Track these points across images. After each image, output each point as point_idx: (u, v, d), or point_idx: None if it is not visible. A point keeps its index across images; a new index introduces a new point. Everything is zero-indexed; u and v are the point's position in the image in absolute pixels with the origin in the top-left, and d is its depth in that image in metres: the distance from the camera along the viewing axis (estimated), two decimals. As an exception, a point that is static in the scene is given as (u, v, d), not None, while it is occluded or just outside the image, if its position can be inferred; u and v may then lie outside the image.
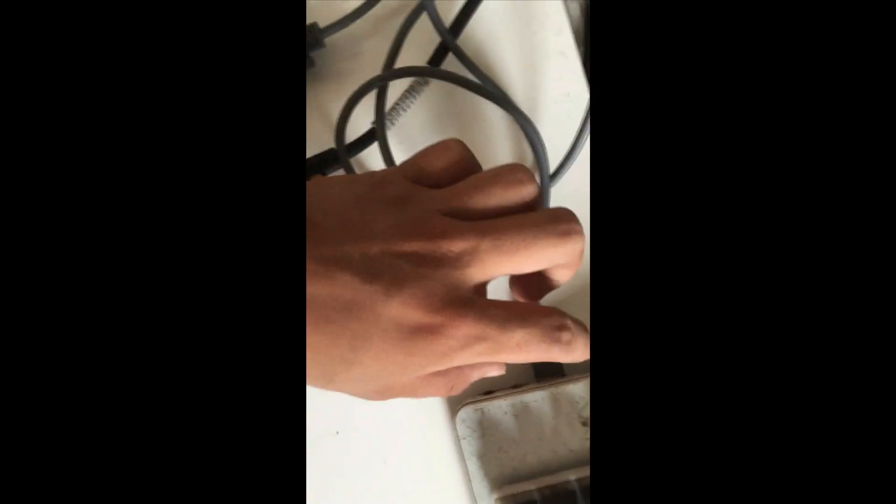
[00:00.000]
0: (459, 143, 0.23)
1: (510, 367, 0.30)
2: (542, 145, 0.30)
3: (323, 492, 0.30)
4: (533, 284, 0.25)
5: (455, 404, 0.30)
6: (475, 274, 0.21)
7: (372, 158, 0.33)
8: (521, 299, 0.26)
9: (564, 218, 0.22)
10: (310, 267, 0.19)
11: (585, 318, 0.23)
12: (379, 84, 0.31)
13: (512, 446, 0.29)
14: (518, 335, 0.21)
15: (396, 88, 0.32)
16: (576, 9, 0.34)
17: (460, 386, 0.23)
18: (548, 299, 0.31)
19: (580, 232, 0.22)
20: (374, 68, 0.32)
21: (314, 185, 0.22)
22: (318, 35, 0.31)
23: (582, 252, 0.22)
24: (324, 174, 0.32)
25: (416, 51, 0.32)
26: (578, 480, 0.28)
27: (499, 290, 0.29)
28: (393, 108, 0.32)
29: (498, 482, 0.29)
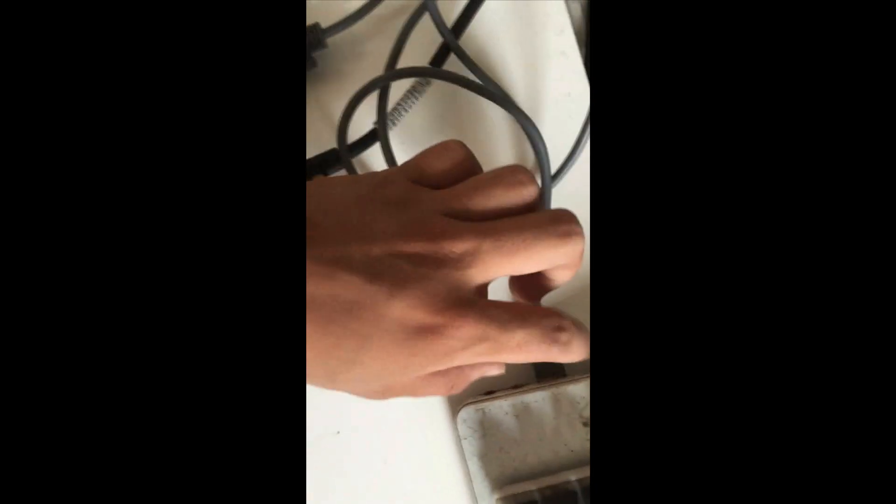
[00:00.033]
0: (460, 144, 0.23)
1: (511, 368, 0.30)
2: (544, 146, 0.30)
3: (323, 491, 0.30)
4: (533, 285, 0.25)
5: (456, 404, 0.30)
6: (476, 275, 0.21)
7: (374, 159, 0.33)
8: (521, 299, 0.26)
9: (565, 219, 0.22)
10: (312, 267, 0.19)
11: (585, 318, 0.23)
12: (381, 84, 0.31)
13: (513, 446, 0.29)
14: (518, 335, 0.21)
15: (398, 89, 0.32)
16: (577, 9, 0.34)
17: (460, 385, 0.23)
18: (548, 300, 0.31)
19: (580, 233, 0.22)
20: (377, 69, 0.32)
21: (315, 186, 0.22)
22: (320, 35, 0.31)
23: (582, 253, 0.22)
24: (326, 174, 0.32)
25: (418, 51, 0.32)
26: (579, 481, 0.28)
27: (499, 291, 0.29)
28: (395, 109, 0.32)
29: (499, 482, 0.29)
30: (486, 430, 0.29)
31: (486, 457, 0.29)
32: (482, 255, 0.21)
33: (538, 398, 0.29)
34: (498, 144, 0.33)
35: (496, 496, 0.28)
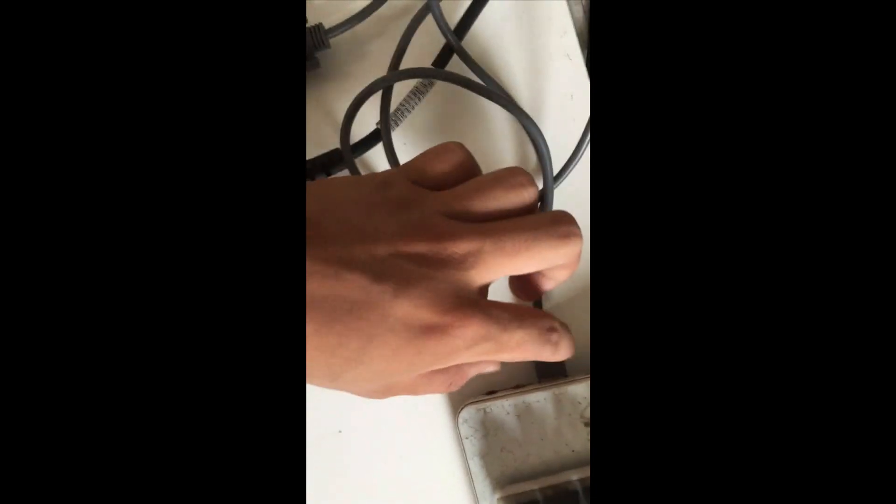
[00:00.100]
0: (460, 145, 0.24)
1: (513, 368, 0.31)
2: (546, 147, 0.30)
3: (324, 491, 0.30)
4: (532, 284, 0.25)
5: (457, 404, 0.30)
6: (479, 275, 0.21)
7: (376, 159, 0.33)
8: (520, 298, 0.26)
9: (564, 220, 0.22)
10: (317, 268, 0.20)
11: (585, 318, 0.23)
12: (384, 85, 0.31)
13: (514, 446, 0.29)
14: (517, 335, 0.21)
15: (401, 89, 0.33)
16: (580, 11, 0.34)
17: (459, 383, 0.24)
18: (548, 299, 0.31)
19: (579, 234, 0.22)
20: (380, 69, 0.32)
21: (317, 187, 0.22)
22: (323, 36, 0.31)
23: (580, 253, 0.23)
24: (329, 174, 0.32)
25: (421, 52, 0.32)
26: (581, 480, 0.28)
27: (499, 292, 0.30)
28: (398, 109, 0.32)
29: (500, 482, 0.29)
30: (488, 430, 0.29)
31: (488, 456, 0.29)
32: (484, 256, 0.21)
33: (540, 398, 0.29)
34: (500, 145, 0.33)
35: (497, 496, 0.28)
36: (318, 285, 0.19)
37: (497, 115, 0.33)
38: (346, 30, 0.32)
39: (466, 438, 0.29)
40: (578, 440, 0.29)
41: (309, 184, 0.22)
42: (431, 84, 0.33)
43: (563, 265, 0.23)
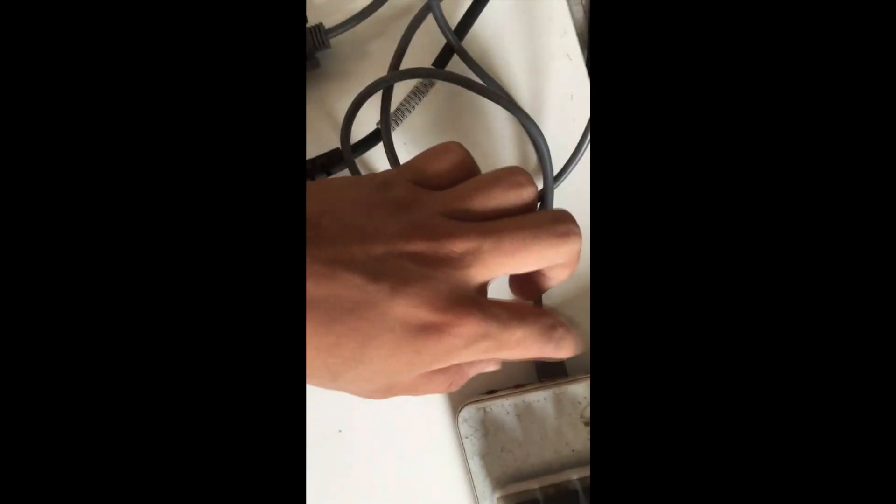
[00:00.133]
0: (459, 145, 0.24)
1: (513, 367, 0.31)
2: (547, 147, 0.30)
3: (324, 490, 0.30)
4: (531, 283, 0.25)
5: (457, 403, 0.30)
6: (477, 274, 0.21)
7: (377, 159, 0.33)
8: (519, 297, 0.26)
9: (563, 219, 0.22)
10: (315, 268, 0.20)
11: (585, 318, 0.23)
12: (384, 85, 0.31)
13: (514, 446, 0.29)
14: (518, 333, 0.21)
15: (402, 89, 0.33)
16: (580, 11, 0.34)
17: (459, 382, 0.24)
18: (548, 299, 0.31)
19: (578, 233, 0.22)
20: (380, 69, 0.33)
21: (316, 188, 0.22)
22: (323, 36, 0.31)
23: (579, 252, 0.23)
24: (329, 174, 0.32)
25: (422, 52, 0.32)
26: (581, 480, 0.28)
27: (499, 291, 0.30)
28: (398, 109, 0.32)
29: (500, 481, 0.29)
30: (488, 430, 0.29)
31: (488, 456, 0.29)
32: (483, 255, 0.21)
33: (540, 398, 0.29)
34: (501, 145, 0.33)
35: (497, 495, 0.28)
36: (316, 286, 0.19)
37: (497, 115, 0.33)
38: (346, 30, 0.32)
39: (466, 438, 0.29)
40: (579, 440, 0.29)
41: (309, 184, 0.22)
42: (432, 84, 0.33)
43: (563, 264, 0.23)
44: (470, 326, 0.20)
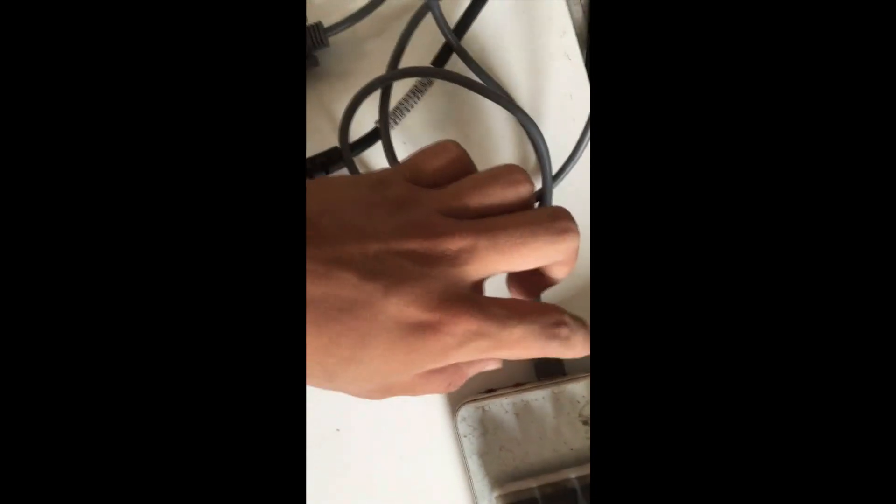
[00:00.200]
0: (456, 143, 0.24)
1: (512, 366, 0.31)
2: (545, 146, 0.30)
3: (322, 489, 0.30)
4: (530, 282, 0.25)
5: (456, 402, 0.30)
6: (473, 271, 0.21)
7: (375, 157, 0.33)
8: (518, 297, 0.26)
9: (560, 216, 0.22)
10: (310, 267, 0.20)
11: (585, 317, 0.23)
12: (383, 84, 0.31)
13: (513, 445, 0.29)
14: (517, 331, 0.21)
15: (400, 88, 0.33)
16: (579, 11, 0.35)
17: (457, 382, 0.24)
18: (548, 298, 0.31)
19: (575, 230, 0.22)
20: (379, 68, 0.33)
21: (314, 186, 0.22)
22: (322, 34, 0.31)
23: (577, 250, 0.23)
24: (327, 172, 0.32)
25: (421, 51, 0.33)
26: (579, 479, 0.28)
27: (498, 290, 0.30)
28: (397, 108, 0.32)
29: (499, 480, 0.29)
30: (487, 429, 0.29)
31: (486, 455, 0.29)
32: (478, 252, 0.21)
33: (538, 396, 0.29)
34: (499, 145, 0.33)
35: (496, 494, 0.28)
36: (313, 285, 0.19)
37: (496, 114, 0.33)
38: (345, 28, 0.32)
39: (465, 437, 0.29)
40: (577, 439, 0.29)
41: (308, 183, 0.22)
42: (430, 83, 0.33)
43: (561, 262, 0.23)
44: (463, 324, 0.20)
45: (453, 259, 0.21)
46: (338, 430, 0.31)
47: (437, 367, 0.22)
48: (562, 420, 0.29)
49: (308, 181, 0.22)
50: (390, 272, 0.20)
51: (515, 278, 0.26)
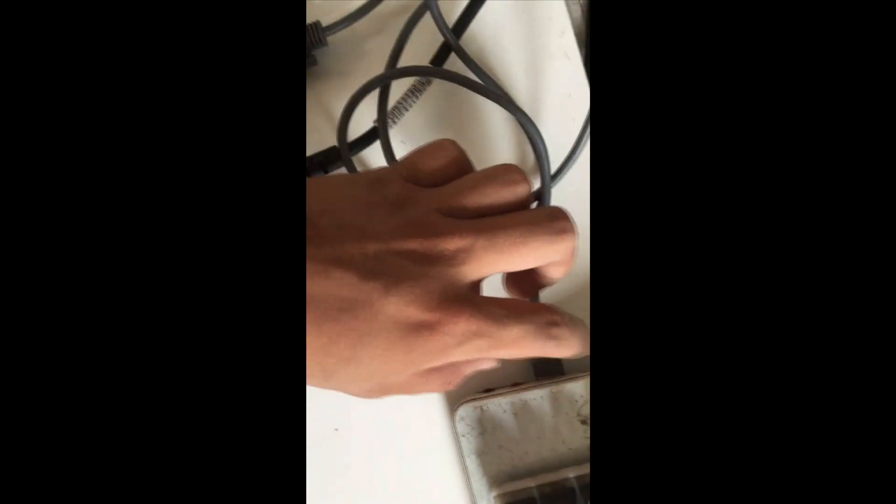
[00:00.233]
0: (453, 143, 0.24)
1: (510, 366, 0.31)
2: (544, 146, 0.30)
3: (321, 489, 0.30)
4: (527, 282, 0.25)
5: (454, 402, 0.30)
6: (470, 271, 0.21)
7: (374, 157, 0.33)
8: (515, 296, 0.26)
9: (557, 216, 0.22)
10: (310, 267, 0.20)
11: (585, 317, 0.23)
12: (381, 83, 0.31)
13: (511, 444, 0.29)
14: (514, 331, 0.21)
15: (399, 87, 0.33)
16: (578, 10, 0.35)
17: (455, 381, 0.24)
18: (547, 298, 0.31)
19: (573, 230, 0.22)
20: (377, 67, 0.32)
21: (312, 185, 0.22)
22: (320, 33, 0.31)
23: (574, 250, 0.23)
24: (326, 172, 0.32)
25: (419, 50, 0.32)
26: (578, 478, 0.28)
27: (497, 290, 0.30)
28: (395, 107, 0.32)
29: (497, 480, 0.29)
30: (485, 428, 0.29)
31: (485, 454, 0.29)
32: (476, 252, 0.21)
33: (537, 396, 0.29)
34: (498, 144, 0.33)
35: (494, 493, 0.28)
36: (312, 284, 0.19)
37: (495, 113, 0.33)
38: (343, 27, 0.32)
39: (463, 436, 0.29)
40: (575, 438, 0.29)
41: (308, 182, 0.22)
42: (429, 82, 0.33)
43: (558, 262, 0.23)
44: (461, 324, 0.20)
45: (451, 259, 0.21)
46: (336, 429, 0.31)
47: (436, 366, 0.22)
48: (560, 419, 0.29)
49: (308, 180, 0.22)
50: (390, 272, 0.20)
51: (512, 278, 0.26)
